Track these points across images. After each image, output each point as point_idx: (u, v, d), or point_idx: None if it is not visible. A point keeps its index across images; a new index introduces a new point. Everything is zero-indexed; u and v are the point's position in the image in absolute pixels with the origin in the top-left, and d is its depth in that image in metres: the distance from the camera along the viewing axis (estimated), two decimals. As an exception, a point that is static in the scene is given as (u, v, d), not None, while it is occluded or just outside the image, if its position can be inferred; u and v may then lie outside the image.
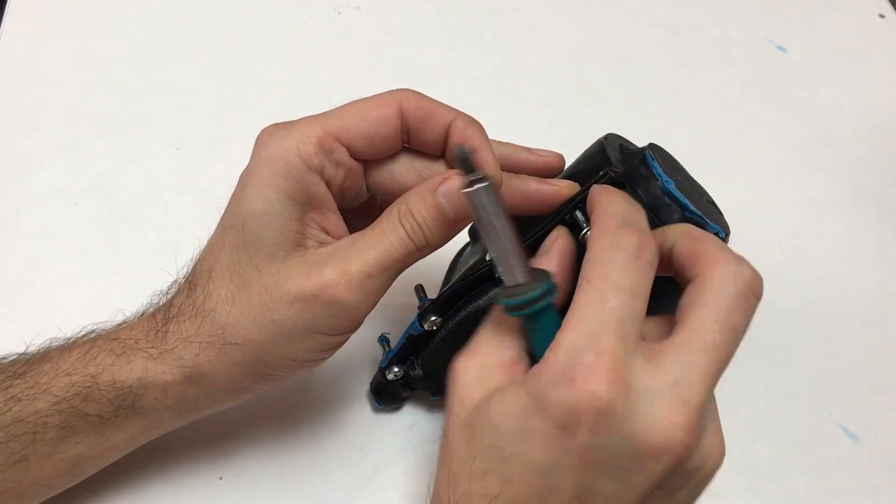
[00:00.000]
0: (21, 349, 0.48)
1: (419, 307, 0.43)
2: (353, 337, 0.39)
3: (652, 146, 0.42)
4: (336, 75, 0.66)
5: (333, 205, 0.37)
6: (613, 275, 0.30)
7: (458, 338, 0.41)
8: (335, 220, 0.38)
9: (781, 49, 0.72)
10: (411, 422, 0.47)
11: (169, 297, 0.39)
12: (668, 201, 0.38)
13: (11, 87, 0.62)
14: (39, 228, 0.54)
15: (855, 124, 0.67)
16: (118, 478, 0.43)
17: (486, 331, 0.34)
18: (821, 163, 0.64)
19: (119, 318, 0.40)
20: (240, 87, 0.64)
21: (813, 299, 0.55)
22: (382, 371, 0.45)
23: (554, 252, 0.36)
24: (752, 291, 0.31)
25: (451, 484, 0.32)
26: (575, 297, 0.31)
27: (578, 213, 0.37)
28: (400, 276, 0.37)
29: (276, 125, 0.38)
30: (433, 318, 0.42)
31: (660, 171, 0.39)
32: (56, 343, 0.39)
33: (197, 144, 0.60)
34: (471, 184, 0.32)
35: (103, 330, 0.39)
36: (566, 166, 0.42)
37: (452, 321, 0.42)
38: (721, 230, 0.38)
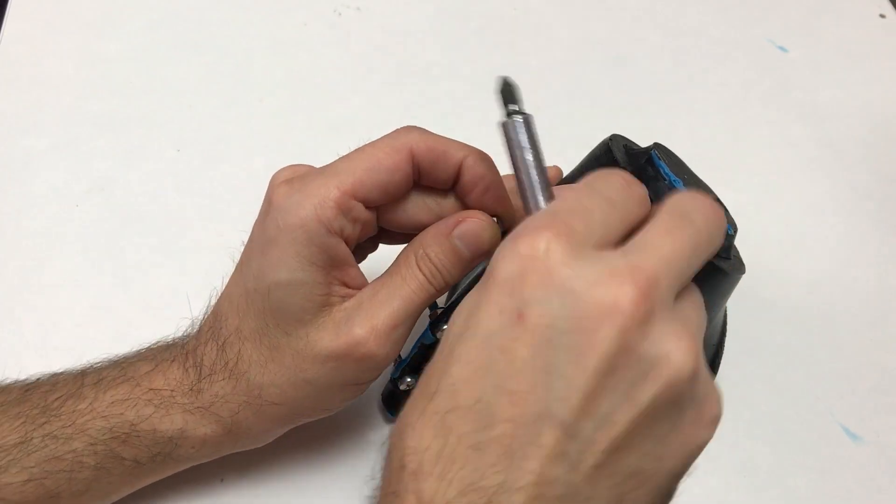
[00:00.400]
0: (24, 348, 0.48)
1: (430, 316, 0.43)
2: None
3: (657, 146, 0.42)
4: (336, 76, 0.66)
5: (353, 260, 0.37)
6: (598, 184, 0.30)
7: None
8: (355, 274, 0.38)
9: (782, 49, 0.72)
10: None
11: (194, 344, 0.39)
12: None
13: (12, 87, 0.62)
14: (40, 229, 0.54)
15: (855, 124, 0.67)
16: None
17: None
18: (821, 163, 0.64)
19: (135, 348, 0.41)
20: (240, 88, 0.64)
21: (813, 299, 0.55)
22: (394, 381, 0.45)
23: None
24: (711, 206, 0.30)
25: (406, 408, 0.29)
26: None
27: None
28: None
29: (287, 182, 0.37)
30: (445, 328, 0.41)
31: (667, 170, 0.39)
32: (88, 378, 0.39)
33: (197, 145, 0.60)
34: (509, 115, 0.32)
35: (135, 371, 0.39)
36: (574, 168, 0.43)
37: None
38: (729, 226, 0.38)
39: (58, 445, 0.36)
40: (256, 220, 0.38)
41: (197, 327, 0.40)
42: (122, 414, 0.37)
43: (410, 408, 0.29)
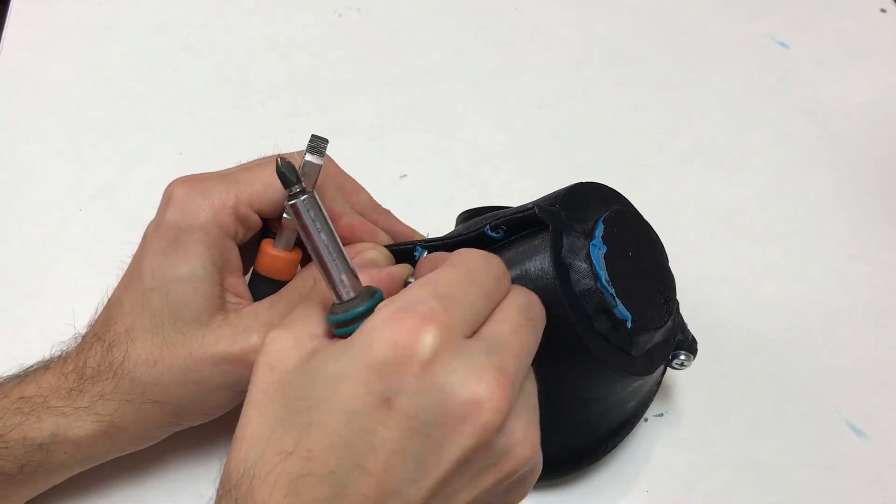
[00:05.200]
0: (28, 355, 0.48)
1: None
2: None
3: (621, 213, 0.41)
4: (338, 77, 0.66)
5: (241, 267, 0.40)
6: (476, 270, 0.32)
7: None
8: (241, 283, 0.39)
9: (783, 45, 0.72)
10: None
11: (75, 351, 0.39)
12: (584, 263, 0.38)
13: (14, 93, 0.62)
14: (43, 234, 0.54)
15: (857, 120, 0.67)
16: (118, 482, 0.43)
17: (303, 307, 0.34)
18: (823, 159, 0.64)
19: (12, 370, 0.40)
20: (242, 91, 0.64)
21: (817, 296, 0.55)
22: None
23: (384, 272, 0.37)
24: (541, 308, 0.34)
25: (247, 450, 0.30)
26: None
27: (488, 229, 0.40)
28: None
29: (186, 183, 0.39)
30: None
31: (600, 233, 0.39)
32: None
33: (200, 149, 0.60)
34: (292, 196, 0.32)
35: (3, 384, 0.38)
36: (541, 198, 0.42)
37: None
38: (629, 318, 0.38)
39: None
40: (151, 224, 0.39)
41: (81, 336, 0.40)
42: None
43: (258, 456, 0.29)
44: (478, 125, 0.64)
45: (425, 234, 0.45)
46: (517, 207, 0.41)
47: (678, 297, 0.43)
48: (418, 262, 0.36)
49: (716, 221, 0.59)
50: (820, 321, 0.54)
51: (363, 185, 0.58)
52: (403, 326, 0.28)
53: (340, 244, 0.32)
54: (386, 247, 0.43)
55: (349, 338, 0.30)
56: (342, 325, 0.31)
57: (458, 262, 0.32)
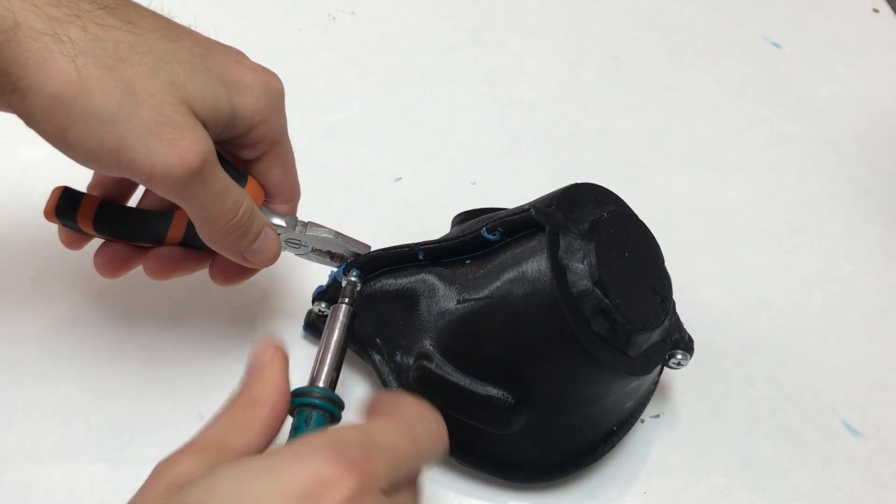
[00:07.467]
0: (24, 356, 0.48)
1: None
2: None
3: (617, 214, 0.41)
4: (332, 80, 0.66)
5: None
6: (416, 425, 0.32)
7: (366, 306, 0.44)
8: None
9: (776, 46, 0.72)
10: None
11: None
12: (581, 264, 0.38)
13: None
14: (41, 238, 0.54)
15: (851, 119, 0.67)
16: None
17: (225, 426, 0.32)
18: (818, 159, 0.64)
19: None
20: (236, 95, 0.64)
21: (813, 296, 0.55)
22: (312, 303, 0.47)
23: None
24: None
25: None
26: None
27: (485, 231, 0.40)
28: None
29: None
30: (354, 273, 0.44)
31: (596, 234, 0.39)
32: None
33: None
34: (340, 303, 0.41)
35: None
36: (537, 199, 0.42)
37: (367, 286, 0.44)
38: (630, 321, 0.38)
39: None
40: None
41: None
42: None
43: None
44: (473, 127, 0.64)
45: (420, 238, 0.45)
46: (513, 209, 0.41)
47: (674, 297, 0.43)
48: (374, 398, 0.36)
49: (710, 221, 0.59)
50: (815, 320, 0.54)
51: (358, 187, 0.59)
52: (333, 465, 0.28)
53: (341, 353, 0.39)
54: (385, 248, 0.43)
55: (274, 455, 0.30)
56: (295, 395, 0.35)
57: (399, 415, 0.32)
